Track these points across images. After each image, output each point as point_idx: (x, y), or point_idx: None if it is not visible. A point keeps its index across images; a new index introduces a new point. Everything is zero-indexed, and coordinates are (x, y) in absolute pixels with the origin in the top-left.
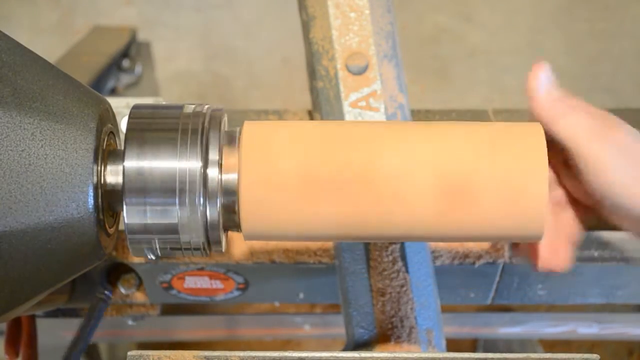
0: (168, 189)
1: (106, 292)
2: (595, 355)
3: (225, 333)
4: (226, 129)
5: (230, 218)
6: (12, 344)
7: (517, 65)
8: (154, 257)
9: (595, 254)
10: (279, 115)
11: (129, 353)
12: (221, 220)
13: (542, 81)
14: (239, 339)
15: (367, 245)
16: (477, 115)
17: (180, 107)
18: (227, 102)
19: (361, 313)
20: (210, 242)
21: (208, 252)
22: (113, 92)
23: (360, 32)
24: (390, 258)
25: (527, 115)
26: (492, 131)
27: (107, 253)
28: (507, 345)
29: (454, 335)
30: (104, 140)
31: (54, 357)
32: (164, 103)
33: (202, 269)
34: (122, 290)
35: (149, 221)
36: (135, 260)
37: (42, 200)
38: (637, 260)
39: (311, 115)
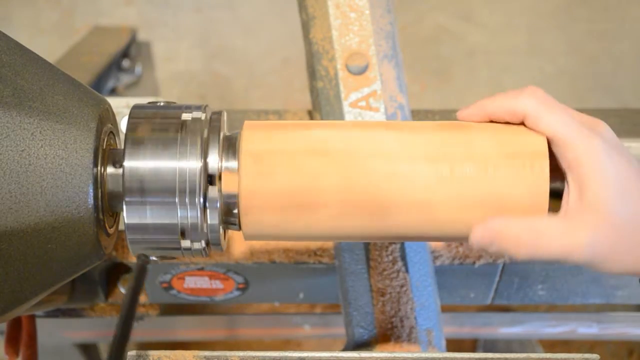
0: (168, 189)
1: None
2: (595, 355)
3: (225, 333)
4: (226, 129)
5: (230, 217)
6: (12, 344)
7: (517, 65)
8: (154, 258)
9: None
10: (279, 115)
11: (129, 353)
12: (221, 220)
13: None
14: (239, 339)
15: (367, 245)
16: None
17: (180, 107)
18: (227, 102)
19: (361, 313)
20: (210, 241)
21: (208, 251)
22: (113, 92)
23: (360, 32)
24: (390, 258)
25: None
26: (492, 130)
27: (107, 253)
28: (507, 345)
29: (454, 335)
30: (104, 140)
31: (54, 357)
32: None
33: (202, 269)
34: (122, 290)
35: (149, 221)
36: (135, 260)
37: (42, 200)
38: None
39: (311, 115)
